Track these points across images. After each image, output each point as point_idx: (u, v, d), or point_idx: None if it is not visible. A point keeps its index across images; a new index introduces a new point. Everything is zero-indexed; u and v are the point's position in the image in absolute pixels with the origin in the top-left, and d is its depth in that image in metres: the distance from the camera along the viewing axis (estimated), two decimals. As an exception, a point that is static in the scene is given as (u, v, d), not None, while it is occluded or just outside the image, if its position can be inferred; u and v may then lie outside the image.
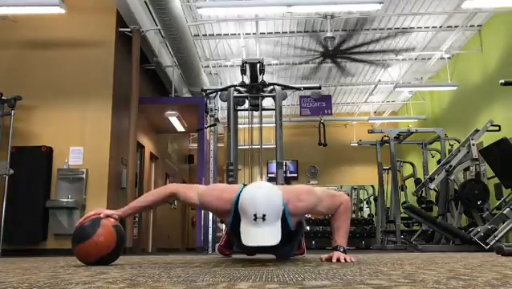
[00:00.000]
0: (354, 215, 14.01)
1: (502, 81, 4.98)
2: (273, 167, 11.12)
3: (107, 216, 1.98)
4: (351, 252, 5.23)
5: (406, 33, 8.54)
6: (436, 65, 9.97)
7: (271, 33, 8.57)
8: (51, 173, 5.82)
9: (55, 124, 5.96)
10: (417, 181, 8.22)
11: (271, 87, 4.27)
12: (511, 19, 7.42)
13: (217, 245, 3.19)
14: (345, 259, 1.92)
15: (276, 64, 9.77)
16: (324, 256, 2.02)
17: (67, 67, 6.15)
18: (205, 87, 6.29)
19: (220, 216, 2.16)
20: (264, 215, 1.75)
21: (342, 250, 2.02)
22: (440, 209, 5.99)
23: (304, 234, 3.11)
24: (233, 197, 1.99)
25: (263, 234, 1.76)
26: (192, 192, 2.11)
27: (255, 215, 1.75)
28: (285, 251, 2.49)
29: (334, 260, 1.93)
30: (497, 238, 4.35)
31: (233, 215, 1.99)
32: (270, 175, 12.07)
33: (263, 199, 1.79)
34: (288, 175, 12.81)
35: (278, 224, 1.81)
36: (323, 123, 7.17)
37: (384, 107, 13.11)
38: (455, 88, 9.18)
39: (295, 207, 2.01)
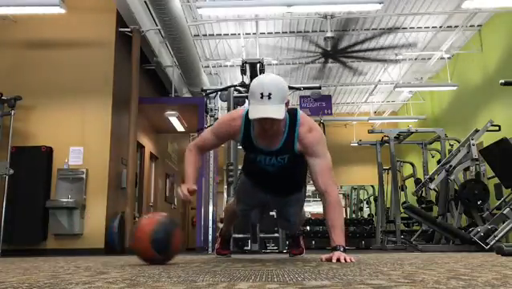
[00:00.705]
0: (354, 215, 14.03)
1: (502, 81, 4.98)
2: (273, 167, 11.10)
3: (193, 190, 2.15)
4: (351, 252, 5.23)
5: (406, 32, 8.54)
6: (436, 65, 9.97)
7: (271, 33, 8.57)
8: (51, 173, 5.82)
9: (55, 124, 5.96)
10: (417, 181, 8.22)
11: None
12: (511, 19, 7.42)
13: (216, 247, 3.21)
14: (345, 259, 1.91)
15: (276, 64, 9.78)
16: (324, 256, 2.02)
17: (67, 67, 6.15)
18: (205, 87, 6.30)
19: (233, 136, 2.25)
20: (270, 94, 1.90)
21: (342, 249, 2.01)
22: (440, 209, 5.99)
23: (304, 234, 3.12)
24: (242, 112, 2.17)
25: (268, 109, 1.90)
26: (206, 134, 2.29)
27: (262, 94, 1.90)
28: (291, 200, 2.54)
29: (334, 260, 1.93)
30: (497, 238, 4.35)
31: (243, 128, 2.15)
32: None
33: (270, 81, 1.97)
34: (288, 175, 12.80)
35: (282, 107, 1.94)
36: (322, 123, 7.19)
37: (383, 107, 13.11)
38: (455, 88, 9.18)
39: (304, 134, 2.11)
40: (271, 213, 4.11)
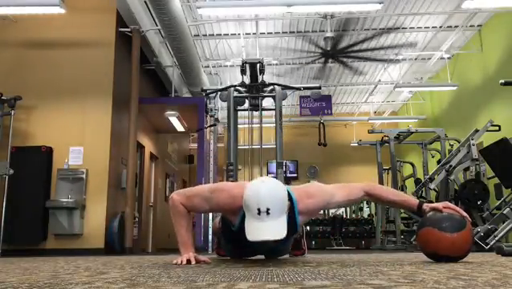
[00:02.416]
0: (354, 215, 14.01)
1: (502, 81, 4.98)
2: (273, 167, 11.11)
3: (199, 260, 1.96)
4: (352, 252, 5.23)
5: (406, 32, 8.54)
6: (436, 65, 9.97)
7: (271, 33, 8.57)
8: (51, 173, 5.82)
9: (55, 124, 5.96)
10: (417, 181, 8.22)
11: (271, 87, 4.27)
12: (511, 19, 7.42)
13: (215, 247, 3.21)
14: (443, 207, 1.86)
15: (276, 64, 9.78)
16: (431, 205, 1.92)
17: (67, 67, 6.15)
18: (205, 87, 6.29)
19: (231, 214, 2.03)
20: (268, 209, 1.70)
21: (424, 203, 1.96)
22: (440, 209, 5.98)
23: (305, 235, 3.11)
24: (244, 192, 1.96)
25: (267, 229, 1.70)
26: (197, 199, 2.05)
27: (259, 209, 1.70)
28: (280, 250, 2.46)
29: (444, 209, 1.85)
30: (497, 238, 4.35)
31: (242, 214, 1.93)
32: (269, 175, 12.06)
33: (267, 193, 1.74)
34: (288, 175, 12.81)
35: (284, 218, 1.76)
36: (322, 123, 7.18)
37: (384, 107, 13.11)
38: (455, 88, 9.18)
39: (305, 204, 2.01)
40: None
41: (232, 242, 2.31)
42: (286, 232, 1.73)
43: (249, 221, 1.76)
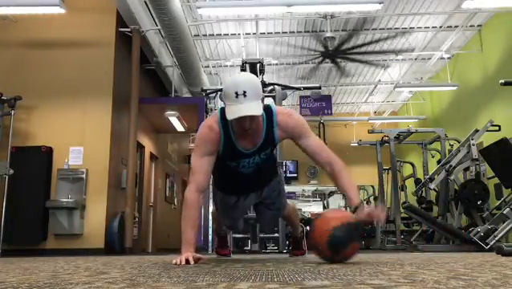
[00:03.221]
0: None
1: (502, 81, 4.98)
2: (273, 167, 11.11)
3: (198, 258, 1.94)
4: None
5: (406, 33, 8.54)
6: (436, 65, 9.97)
7: (271, 33, 8.57)
8: (51, 173, 5.81)
9: (55, 124, 5.96)
10: (417, 181, 8.22)
11: (271, 87, 4.27)
12: (511, 19, 7.42)
13: (215, 247, 3.22)
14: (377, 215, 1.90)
15: (276, 64, 9.78)
16: (357, 215, 1.93)
17: (67, 67, 6.15)
18: (205, 87, 6.29)
19: (216, 145, 2.08)
20: (245, 92, 1.87)
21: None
22: (440, 209, 5.99)
23: (305, 235, 3.11)
24: (216, 117, 2.08)
25: (246, 107, 1.86)
26: (197, 164, 2.08)
27: (236, 93, 1.87)
28: (272, 187, 2.49)
29: (374, 218, 1.91)
30: (497, 238, 4.34)
31: (223, 134, 2.05)
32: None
33: (243, 78, 1.96)
34: (288, 175, 12.81)
35: (259, 103, 1.92)
36: (322, 123, 7.20)
37: (383, 107, 13.11)
38: (455, 88, 9.18)
39: (284, 120, 2.08)
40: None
41: (222, 174, 2.33)
42: (262, 111, 1.93)
43: (228, 106, 1.91)
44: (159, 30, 7.00)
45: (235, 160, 2.18)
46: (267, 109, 2.08)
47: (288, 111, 2.14)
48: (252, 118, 1.92)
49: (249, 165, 2.20)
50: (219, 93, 5.06)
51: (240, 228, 2.87)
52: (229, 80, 1.98)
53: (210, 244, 5.95)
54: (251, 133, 2.04)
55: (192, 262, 1.88)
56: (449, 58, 9.51)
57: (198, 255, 1.96)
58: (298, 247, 3.08)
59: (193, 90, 8.54)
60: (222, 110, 2.02)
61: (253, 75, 2.02)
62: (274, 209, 2.59)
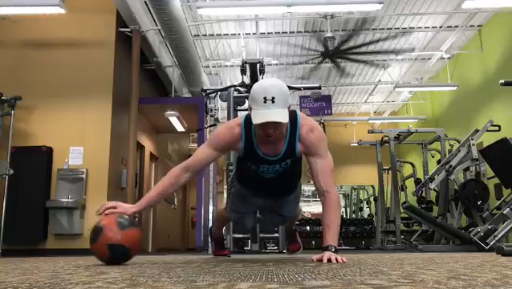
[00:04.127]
0: (354, 215, 14.03)
1: (502, 81, 4.99)
2: (273, 167, 11.10)
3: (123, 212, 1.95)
4: (351, 252, 5.23)
5: (406, 33, 8.54)
6: (436, 65, 9.97)
7: (271, 33, 8.57)
8: (51, 173, 5.82)
9: (55, 124, 5.96)
10: (417, 181, 8.22)
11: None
12: (511, 19, 7.42)
13: (212, 250, 3.22)
14: (336, 259, 1.87)
15: (276, 64, 9.78)
16: (315, 257, 1.98)
17: (67, 67, 6.15)
18: (205, 87, 6.30)
19: (233, 145, 2.11)
20: (273, 98, 1.84)
21: (333, 249, 1.97)
22: (440, 209, 5.99)
23: (298, 230, 3.16)
24: (241, 120, 2.08)
25: (273, 113, 1.84)
26: (201, 151, 2.10)
27: (265, 98, 1.84)
28: (289, 199, 2.48)
29: (325, 260, 1.89)
30: (497, 238, 4.35)
31: (244, 136, 2.05)
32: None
33: (272, 84, 1.91)
34: (288, 175, 12.79)
35: (286, 111, 1.90)
36: (322, 123, 7.19)
37: (383, 107, 13.11)
38: (455, 88, 9.18)
39: (306, 134, 2.05)
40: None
41: (244, 169, 2.30)
42: (288, 120, 1.89)
43: (255, 110, 1.88)
44: (159, 30, 7.01)
45: (255, 164, 2.16)
46: (293, 118, 2.03)
47: (312, 125, 2.09)
48: (277, 125, 1.89)
49: (269, 172, 2.17)
50: (219, 93, 5.06)
51: (247, 225, 2.84)
52: (258, 85, 1.94)
53: (210, 244, 5.94)
54: (273, 141, 2.01)
55: (106, 211, 1.95)
56: (449, 58, 9.51)
57: (121, 210, 1.97)
58: (293, 240, 3.10)
59: (193, 90, 8.55)
60: (248, 116, 2.01)
61: (282, 82, 1.97)
62: (284, 216, 2.60)
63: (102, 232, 1.86)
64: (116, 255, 1.87)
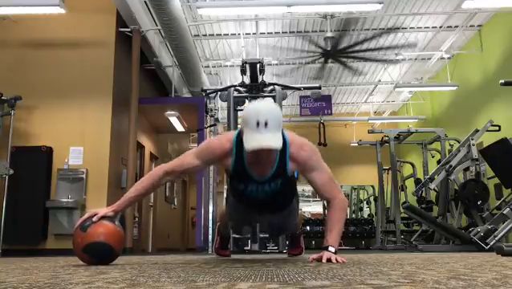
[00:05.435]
0: (354, 215, 14.03)
1: (502, 81, 4.99)
2: (273, 167, 11.09)
3: (102, 217, 1.91)
4: (351, 252, 5.23)
5: (406, 33, 8.54)
6: (436, 65, 9.97)
7: (271, 33, 8.57)
8: (51, 173, 5.82)
9: (55, 124, 5.96)
10: (417, 181, 8.22)
11: (271, 87, 4.28)
12: (511, 19, 7.42)
13: (215, 246, 3.20)
14: (336, 260, 1.87)
15: (276, 64, 9.77)
16: (314, 256, 1.97)
17: (67, 67, 6.15)
18: (205, 87, 6.29)
19: (222, 161, 2.08)
20: (266, 122, 1.79)
21: (333, 250, 1.96)
22: (440, 209, 5.99)
23: (304, 234, 3.11)
24: (233, 136, 2.04)
25: (266, 138, 1.79)
26: (187, 158, 2.07)
27: (258, 122, 1.79)
28: (284, 214, 2.45)
29: (324, 260, 1.88)
30: (497, 238, 4.35)
31: (234, 153, 2.01)
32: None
33: (266, 107, 1.86)
34: (288, 175, 12.79)
35: (279, 135, 1.85)
36: (322, 123, 7.17)
37: (383, 107, 13.11)
38: (455, 88, 9.18)
39: (297, 152, 2.02)
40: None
41: (235, 186, 2.26)
42: (281, 145, 1.83)
43: (247, 134, 1.83)
44: (159, 30, 7.01)
45: (243, 182, 2.13)
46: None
47: (301, 143, 2.06)
48: (270, 150, 1.86)
49: (258, 191, 2.14)
50: (219, 93, 5.06)
51: (244, 233, 2.86)
52: (251, 107, 1.90)
53: (210, 244, 5.94)
54: (263, 162, 2.00)
55: (94, 219, 1.88)
56: (449, 58, 9.51)
57: (102, 215, 1.92)
58: (296, 245, 3.06)
59: (193, 90, 8.55)
60: (240, 132, 1.97)
61: (275, 105, 1.93)
62: (283, 228, 2.61)
63: (74, 243, 1.88)
64: (95, 254, 1.86)
